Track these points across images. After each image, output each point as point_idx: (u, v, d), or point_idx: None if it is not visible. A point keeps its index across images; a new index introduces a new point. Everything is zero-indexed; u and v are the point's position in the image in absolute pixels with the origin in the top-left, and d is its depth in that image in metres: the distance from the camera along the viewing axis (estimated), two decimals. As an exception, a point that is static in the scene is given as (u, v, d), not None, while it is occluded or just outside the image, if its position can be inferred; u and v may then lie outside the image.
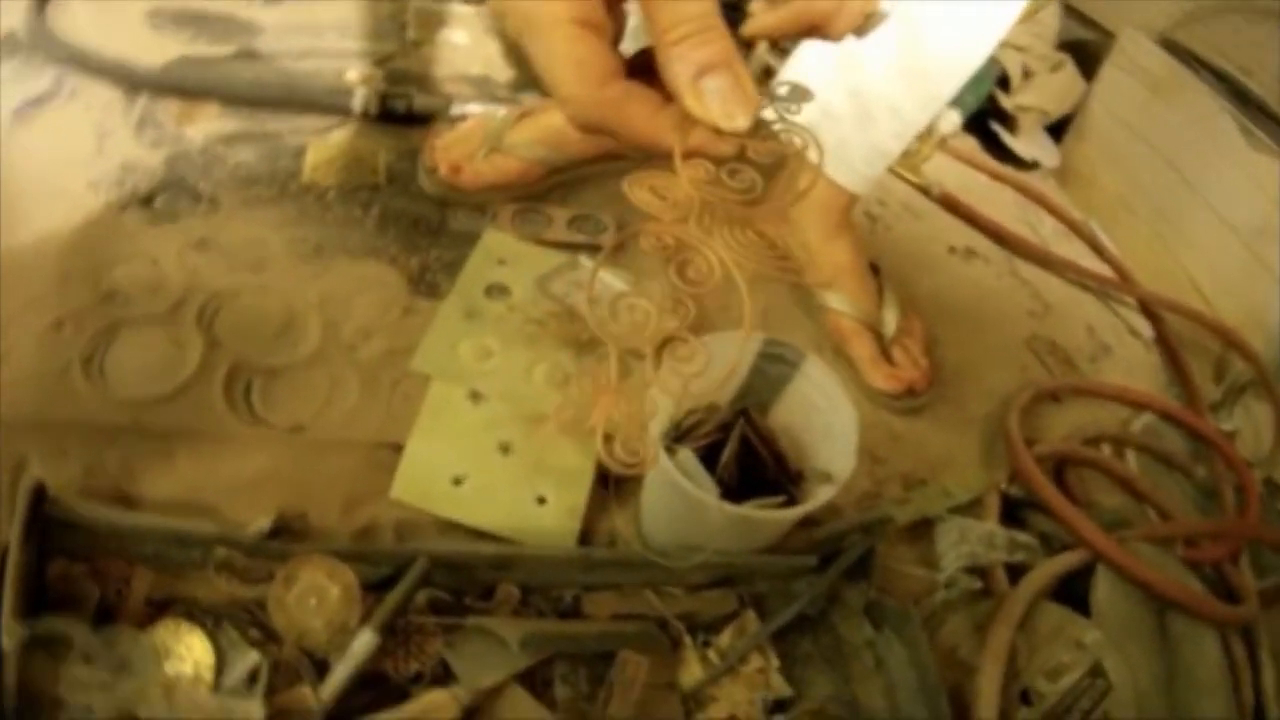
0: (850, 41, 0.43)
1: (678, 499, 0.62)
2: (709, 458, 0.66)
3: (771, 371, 0.71)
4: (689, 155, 0.37)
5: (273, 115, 0.97)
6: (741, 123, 0.35)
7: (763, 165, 0.37)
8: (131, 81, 0.96)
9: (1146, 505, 0.94)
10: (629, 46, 0.39)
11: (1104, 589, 0.80)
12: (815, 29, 0.42)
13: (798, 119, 0.39)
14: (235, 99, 0.96)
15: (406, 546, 0.65)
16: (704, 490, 0.62)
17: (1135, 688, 0.74)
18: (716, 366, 0.45)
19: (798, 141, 0.38)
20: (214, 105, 0.96)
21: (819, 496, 0.64)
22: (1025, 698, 0.72)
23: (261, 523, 0.65)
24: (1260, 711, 0.82)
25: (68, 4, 1.03)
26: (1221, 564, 0.88)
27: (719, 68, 0.35)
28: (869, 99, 0.85)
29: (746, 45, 0.41)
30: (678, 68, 0.35)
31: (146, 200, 0.85)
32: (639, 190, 0.38)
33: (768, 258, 0.39)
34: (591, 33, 0.36)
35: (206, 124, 0.95)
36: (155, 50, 1.01)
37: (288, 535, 0.66)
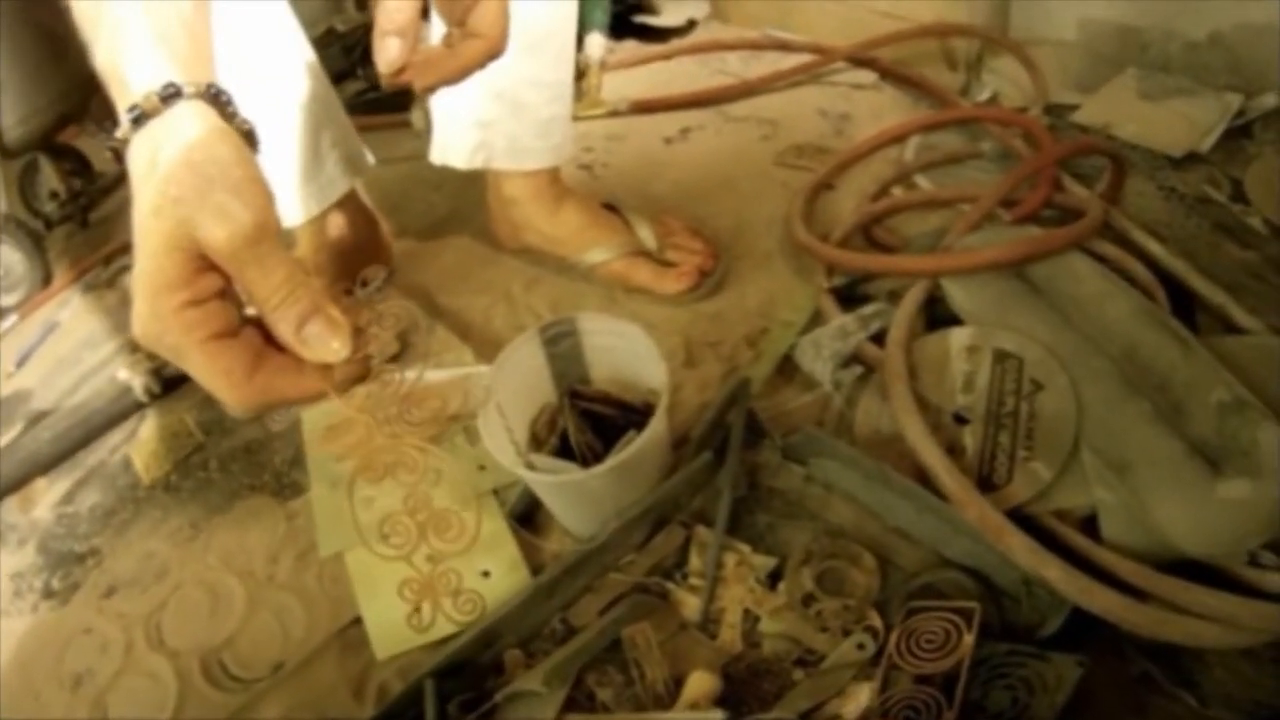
0: None
1: (566, 493, 0.70)
2: (568, 447, 0.74)
3: (564, 348, 0.78)
4: (344, 388, 0.45)
5: (88, 451, 1.03)
6: (343, 351, 0.43)
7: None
8: (-43, 511, 1.00)
9: (958, 206, 0.98)
10: None
11: (958, 294, 0.84)
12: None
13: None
14: (51, 464, 1.02)
15: (410, 682, 0.71)
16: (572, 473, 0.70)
17: (1040, 343, 0.78)
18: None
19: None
20: (41, 480, 1.02)
21: (659, 408, 0.70)
22: (960, 419, 0.77)
23: (305, 752, 0.72)
24: (1168, 276, 0.86)
25: None
26: (1051, 200, 0.93)
27: (311, 315, 0.42)
28: (509, 90, 0.91)
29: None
30: (282, 328, 0.42)
31: (48, 591, 0.90)
32: (328, 445, 0.46)
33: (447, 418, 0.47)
34: (225, 340, 0.42)
35: (45, 498, 1.00)
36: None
37: (330, 748, 0.72)
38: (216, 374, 0.42)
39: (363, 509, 0.82)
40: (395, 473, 0.46)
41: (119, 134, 0.44)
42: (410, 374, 0.45)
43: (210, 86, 0.45)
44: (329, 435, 0.47)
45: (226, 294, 0.43)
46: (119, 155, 0.44)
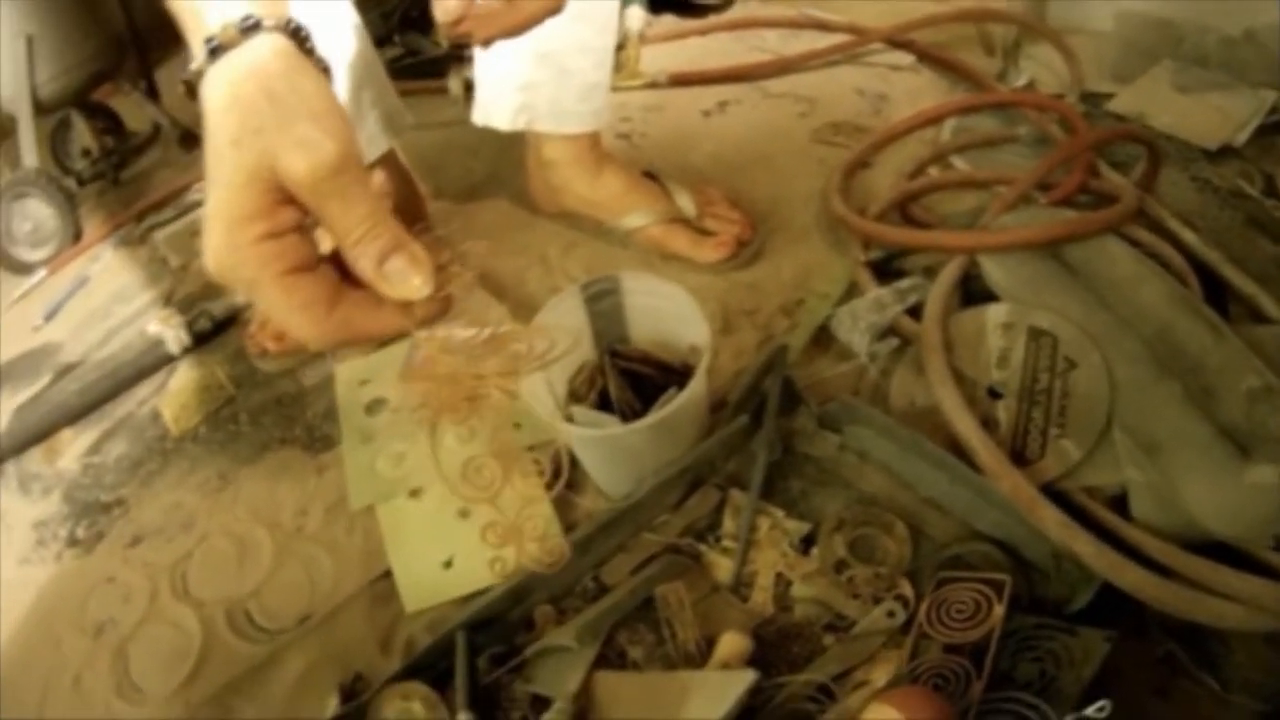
0: None
1: (603, 449, 0.70)
2: (607, 403, 0.74)
3: (605, 306, 0.78)
4: (424, 325, 0.44)
5: (116, 403, 1.03)
6: (425, 289, 0.42)
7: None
8: (-12, 459, 1.00)
9: (994, 188, 0.98)
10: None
11: (995, 271, 0.84)
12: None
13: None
14: (78, 415, 1.02)
15: (439, 635, 0.71)
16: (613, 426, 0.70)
17: (1075, 322, 0.78)
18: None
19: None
20: (67, 431, 1.02)
21: (700, 367, 0.70)
22: (994, 394, 0.77)
23: (331, 704, 0.71)
24: (1201, 266, 0.86)
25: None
26: (1087, 185, 0.93)
27: (394, 251, 0.42)
28: (555, 54, 0.91)
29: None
30: (363, 264, 0.42)
31: (72, 540, 0.90)
32: (416, 385, 0.46)
33: (526, 362, 0.47)
34: (303, 274, 0.42)
35: (71, 449, 1.00)
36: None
37: (356, 700, 0.71)
38: (294, 308, 0.42)
39: (392, 465, 0.84)
40: (480, 412, 0.46)
41: (194, 66, 0.43)
42: (494, 317, 0.45)
43: (289, 21, 0.44)
44: (409, 374, 0.46)
45: (304, 229, 0.43)
46: (192, 89, 0.44)
